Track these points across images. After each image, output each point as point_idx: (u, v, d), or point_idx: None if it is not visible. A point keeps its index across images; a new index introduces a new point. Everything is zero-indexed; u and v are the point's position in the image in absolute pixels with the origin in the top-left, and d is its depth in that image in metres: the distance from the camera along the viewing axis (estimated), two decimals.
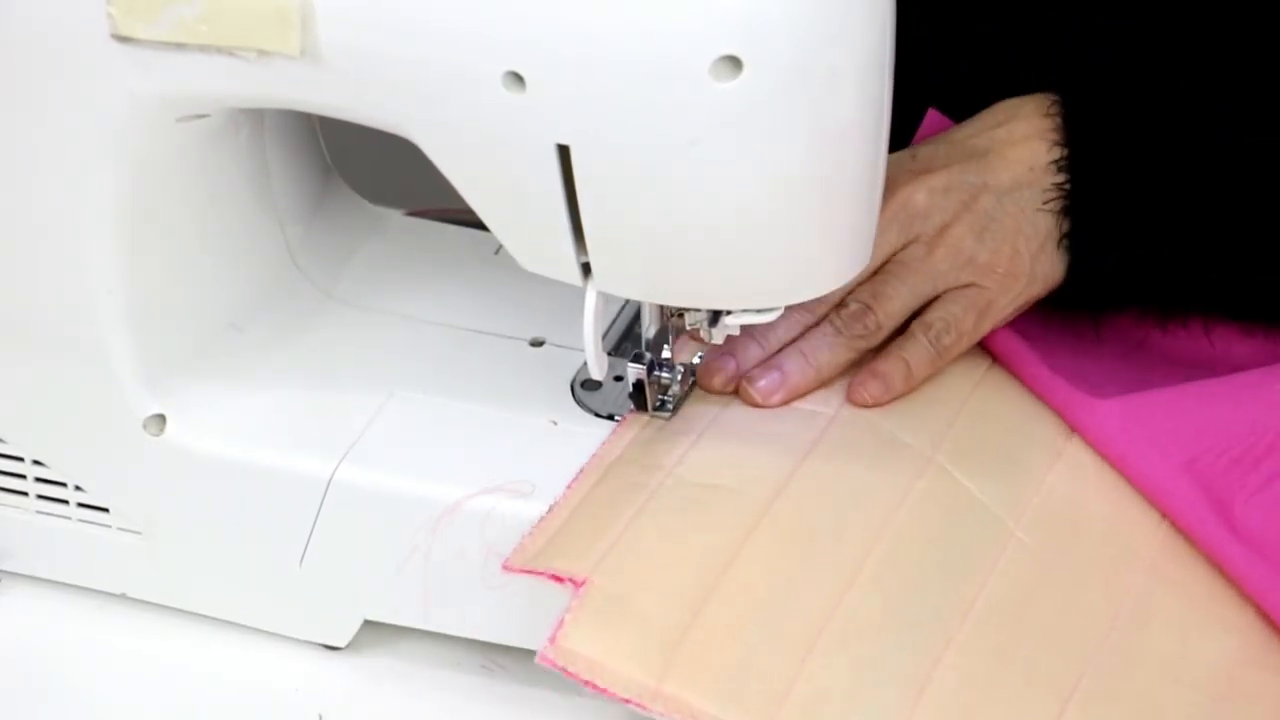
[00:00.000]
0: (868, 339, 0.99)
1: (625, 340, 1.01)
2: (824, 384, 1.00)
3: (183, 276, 0.98)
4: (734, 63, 0.81)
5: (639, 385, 0.97)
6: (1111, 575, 0.92)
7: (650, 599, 0.89)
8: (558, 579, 0.89)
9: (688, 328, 0.95)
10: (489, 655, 0.98)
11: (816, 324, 1.00)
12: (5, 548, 1.03)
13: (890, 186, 0.99)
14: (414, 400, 0.99)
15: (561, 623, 0.88)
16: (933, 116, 1.09)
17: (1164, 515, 0.95)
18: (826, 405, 0.98)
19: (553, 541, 0.92)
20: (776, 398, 0.99)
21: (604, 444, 0.97)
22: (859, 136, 0.86)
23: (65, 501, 1.01)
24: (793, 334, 1.00)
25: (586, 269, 0.90)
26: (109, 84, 0.89)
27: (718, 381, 0.99)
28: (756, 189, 0.86)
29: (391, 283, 1.06)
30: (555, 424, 0.98)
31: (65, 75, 0.90)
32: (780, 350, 1.00)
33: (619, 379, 1.00)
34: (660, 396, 0.98)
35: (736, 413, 0.98)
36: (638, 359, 0.97)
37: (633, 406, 0.98)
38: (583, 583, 0.89)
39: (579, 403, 1.00)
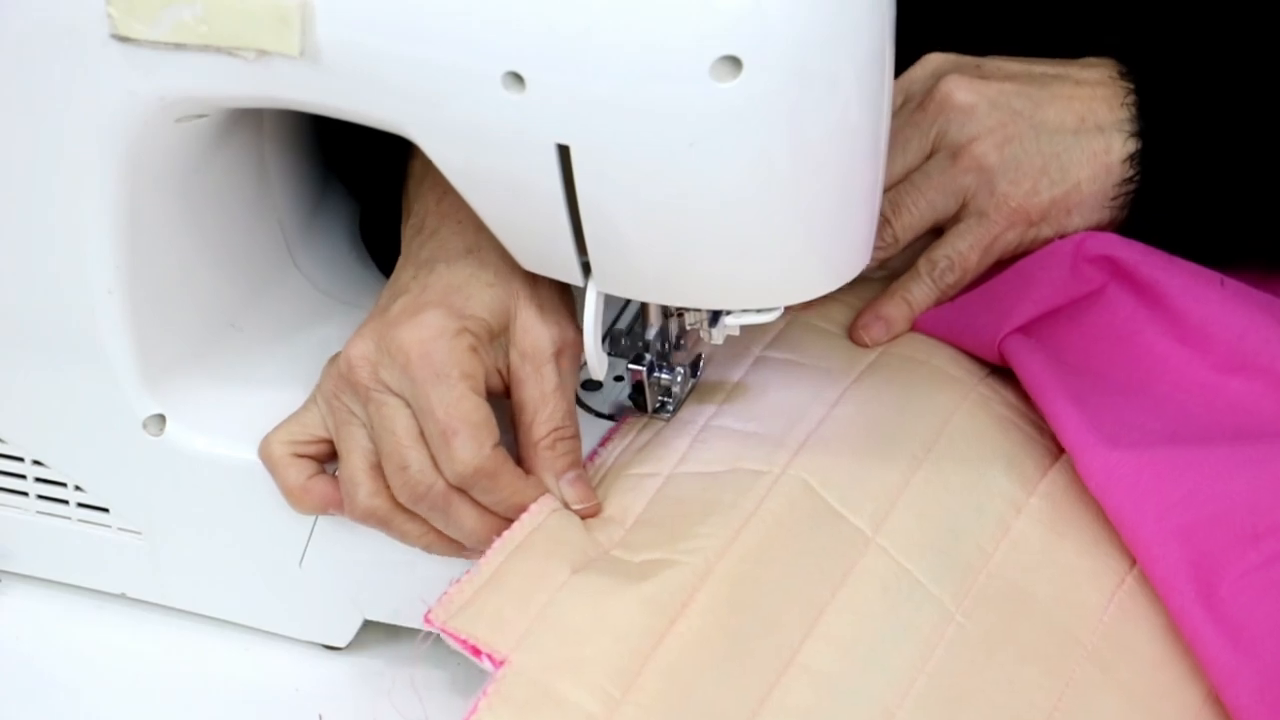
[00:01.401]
0: (885, 250, 0.99)
1: (625, 340, 1.01)
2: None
3: (182, 276, 0.98)
4: (734, 63, 0.81)
5: (639, 386, 0.97)
6: (1053, 663, 0.88)
7: (572, 685, 0.84)
8: (476, 652, 0.86)
9: (688, 328, 0.95)
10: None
11: None
12: (5, 548, 1.03)
13: (941, 78, 1.00)
14: None
15: (476, 708, 0.84)
16: None
17: (1146, 580, 0.91)
18: (771, 464, 0.93)
19: (480, 596, 0.88)
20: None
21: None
22: (859, 136, 0.86)
23: (65, 502, 1.01)
24: None
25: (586, 269, 0.90)
26: (109, 84, 0.89)
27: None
28: (756, 189, 0.86)
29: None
30: None
31: (65, 76, 0.90)
32: None
33: (619, 379, 1.00)
34: (660, 397, 0.98)
35: (690, 468, 0.95)
36: (638, 359, 0.97)
37: (632, 406, 0.98)
38: (501, 662, 0.85)
39: (579, 403, 0.99)
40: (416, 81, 0.86)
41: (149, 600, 1.02)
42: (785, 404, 0.96)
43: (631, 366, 0.97)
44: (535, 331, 0.92)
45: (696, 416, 0.98)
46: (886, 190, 0.98)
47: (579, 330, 0.92)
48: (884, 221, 0.99)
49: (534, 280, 0.93)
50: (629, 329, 1.00)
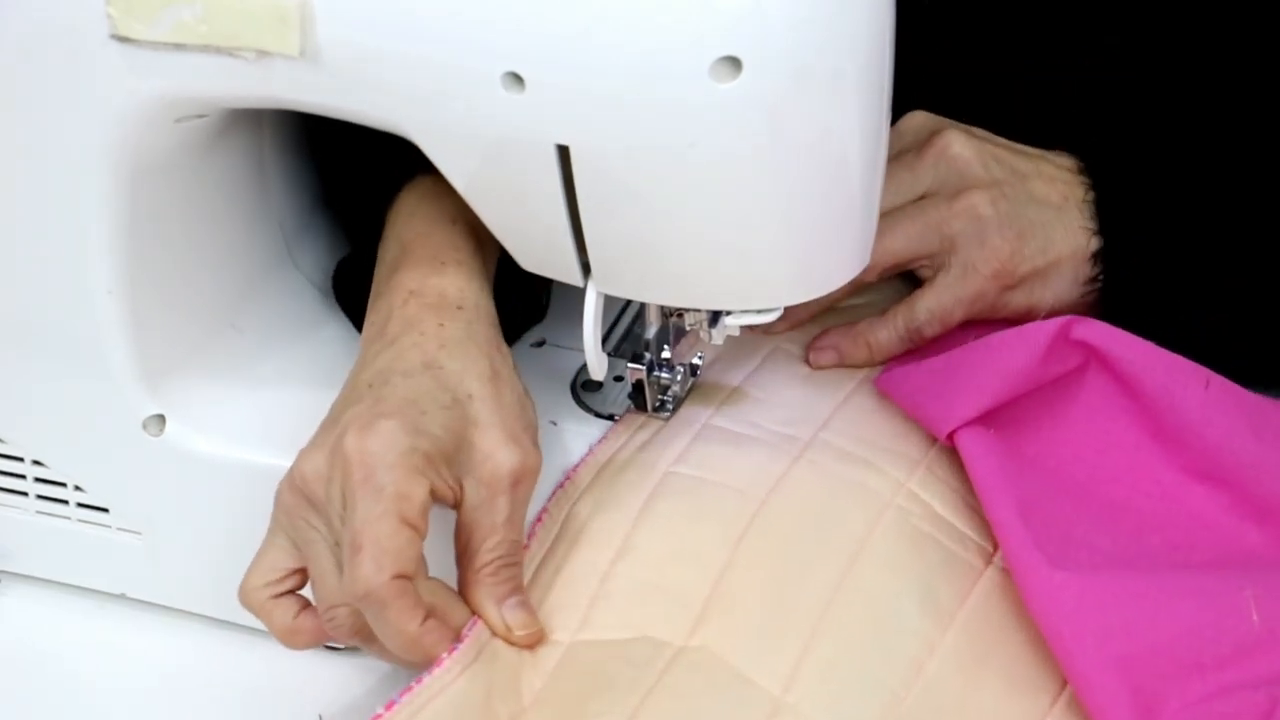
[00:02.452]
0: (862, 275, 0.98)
1: (625, 341, 1.01)
2: (816, 310, 1.01)
3: (182, 277, 0.98)
4: (734, 63, 0.81)
5: (639, 385, 0.97)
6: None
7: None
8: None
9: (687, 328, 0.95)
10: None
11: None
12: (5, 548, 1.03)
13: (936, 133, 1.00)
14: None
15: None
16: None
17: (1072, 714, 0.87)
18: (674, 633, 0.89)
19: None
20: (780, 323, 0.99)
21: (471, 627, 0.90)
22: (859, 137, 0.86)
23: (65, 502, 1.01)
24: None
25: (586, 269, 0.90)
26: (108, 84, 0.89)
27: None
28: (756, 189, 0.86)
29: None
30: (555, 424, 0.98)
31: (65, 76, 0.90)
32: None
33: (619, 379, 1.00)
34: (660, 397, 0.98)
35: (635, 556, 0.92)
36: (637, 359, 0.97)
37: (632, 406, 0.98)
38: None
39: (579, 403, 1.00)
40: (416, 82, 0.86)
41: (149, 600, 1.02)
42: (690, 551, 0.92)
43: (631, 366, 0.97)
44: (495, 459, 0.88)
45: (696, 417, 0.98)
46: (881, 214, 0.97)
47: (539, 452, 0.90)
48: None
49: (497, 397, 0.90)
50: (629, 329, 1.00)
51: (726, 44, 0.81)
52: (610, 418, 0.99)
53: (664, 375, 0.98)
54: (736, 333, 0.94)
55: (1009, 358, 0.94)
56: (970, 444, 0.93)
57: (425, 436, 0.87)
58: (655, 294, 0.92)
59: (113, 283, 0.94)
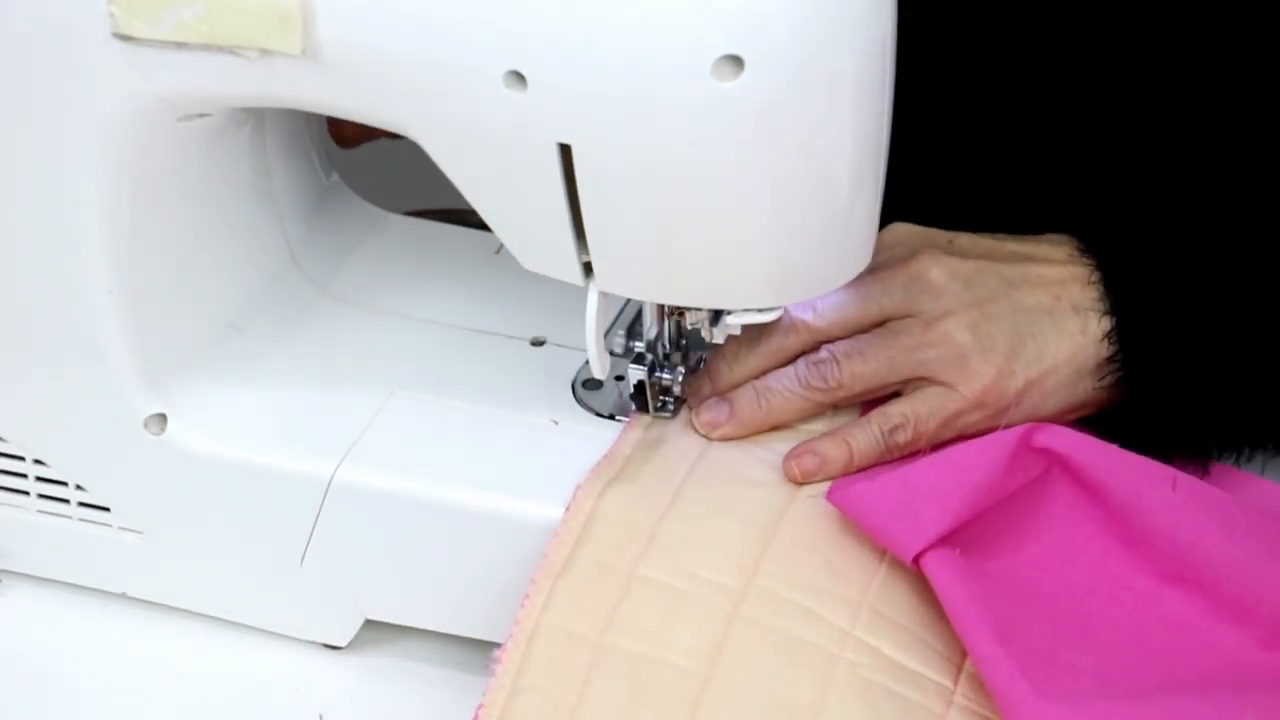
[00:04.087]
0: (825, 394, 0.96)
1: (627, 340, 1.01)
2: (775, 427, 0.96)
3: (183, 276, 0.98)
4: (735, 62, 0.82)
5: (640, 386, 0.97)
6: None
7: None
8: None
9: (689, 327, 0.95)
10: (489, 654, 0.98)
11: (788, 359, 0.97)
12: (6, 547, 1.03)
13: (914, 254, 0.97)
14: (414, 400, 0.99)
15: None
16: None
17: None
18: (736, 576, 0.90)
19: None
20: (720, 431, 0.96)
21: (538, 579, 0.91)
22: (860, 136, 0.86)
23: (66, 501, 1.01)
24: (761, 362, 0.97)
25: (588, 268, 0.90)
26: (110, 83, 0.89)
27: (695, 401, 0.98)
28: (757, 188, 0.86)
29: (391, 282, 1.06)
30: (556, 423, 0.98)
31: (66, 75, 0.90)
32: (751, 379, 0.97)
33: (620, 379, 1.00)
34: (661, 397, 0.98)
35: (662, 544, 0.92)
36: (639, 360, 0.97)
37: (634, 407, 0.98)
38: None
39: (580, 402, 1.00)
40: (418, 81, 0.86)
41: (149, 599, 1.02)
42: None
43: (632, 366, 0.97)
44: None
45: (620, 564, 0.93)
46: (841, 339, 0.96)
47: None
48: (832, 361, 0.95)
49: None
50: (629, 329, 1.00)
51: (728, 43, 0.81)
52: (611, 417, 0.99)
53: (665, 376, 0.98)
54: (738, 331, 0.94)
55: (971, 473, 0.90)
56: (937, 569, 0.89)
57: None
58: (657, 293, 0.92)
59: (114, 282, 0.94)
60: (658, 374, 0.98)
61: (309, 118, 1.04)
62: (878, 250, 0.94)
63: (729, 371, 0.97)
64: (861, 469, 0.95)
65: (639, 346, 0.97)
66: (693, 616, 0.89)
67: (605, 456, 0.96)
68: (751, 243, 0.88)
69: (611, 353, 0.98)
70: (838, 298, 0.96)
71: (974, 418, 0.95)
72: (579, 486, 0.94)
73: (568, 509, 0.93)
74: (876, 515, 0.91)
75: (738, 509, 0.93)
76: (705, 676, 0.88)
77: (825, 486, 0.94)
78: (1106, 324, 0.96)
